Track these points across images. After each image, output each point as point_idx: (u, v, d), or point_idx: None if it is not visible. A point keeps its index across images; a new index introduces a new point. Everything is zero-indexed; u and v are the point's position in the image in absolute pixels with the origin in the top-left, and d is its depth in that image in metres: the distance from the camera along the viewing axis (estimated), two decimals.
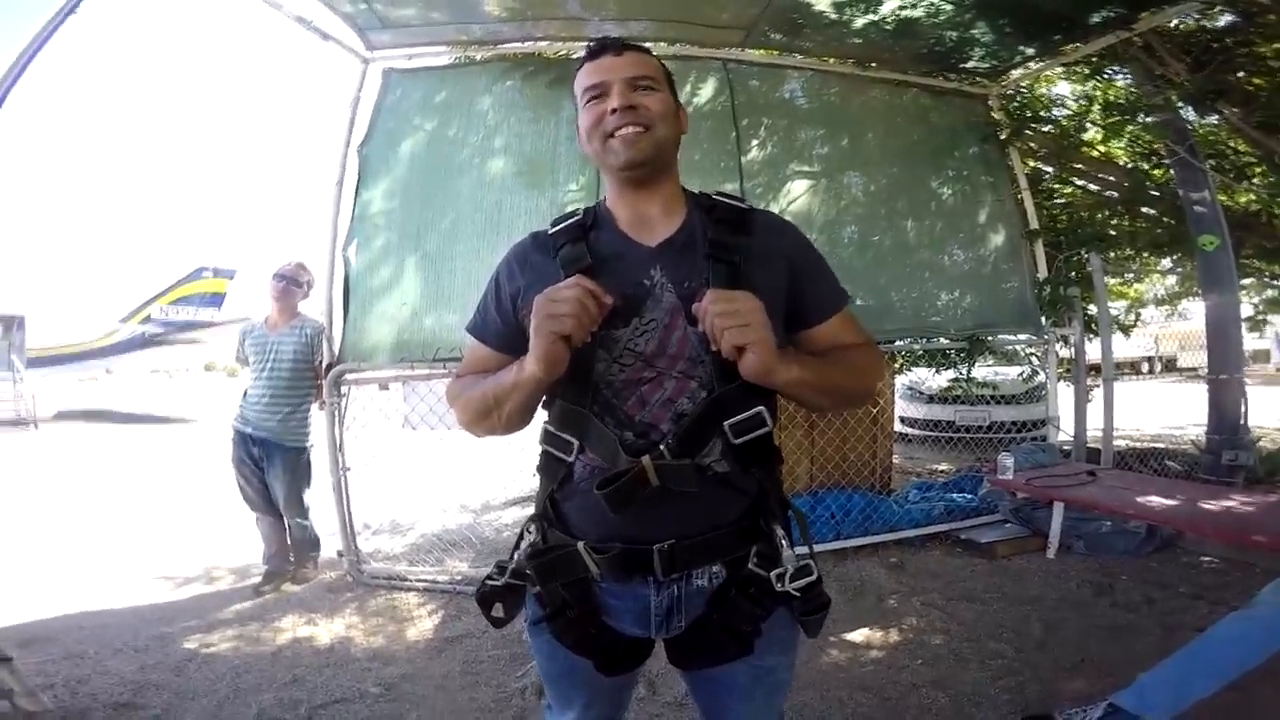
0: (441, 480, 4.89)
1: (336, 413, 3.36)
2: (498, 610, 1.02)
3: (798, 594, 0.95)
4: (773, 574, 0.95)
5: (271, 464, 3.38)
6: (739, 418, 0.94)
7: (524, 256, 1.09)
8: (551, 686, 1.15)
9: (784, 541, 0.98)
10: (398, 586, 3.36)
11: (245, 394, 3.47)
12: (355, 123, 3.47)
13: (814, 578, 0.96)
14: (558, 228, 1.07)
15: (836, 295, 1.09)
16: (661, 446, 0.93)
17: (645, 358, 0.97)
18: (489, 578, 1.03)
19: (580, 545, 0.97)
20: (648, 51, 1.08)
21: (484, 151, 3.53)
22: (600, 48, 1.06)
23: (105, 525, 4.85)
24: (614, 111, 1.00)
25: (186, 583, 3.60)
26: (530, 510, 1.09)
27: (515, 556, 1.04)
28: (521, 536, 1.05)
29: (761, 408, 0.95)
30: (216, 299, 19.35)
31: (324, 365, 3.39)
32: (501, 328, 1.08)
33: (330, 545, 3.57)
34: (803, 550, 1.00)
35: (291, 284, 3.48)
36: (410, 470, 3.88)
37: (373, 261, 3.43)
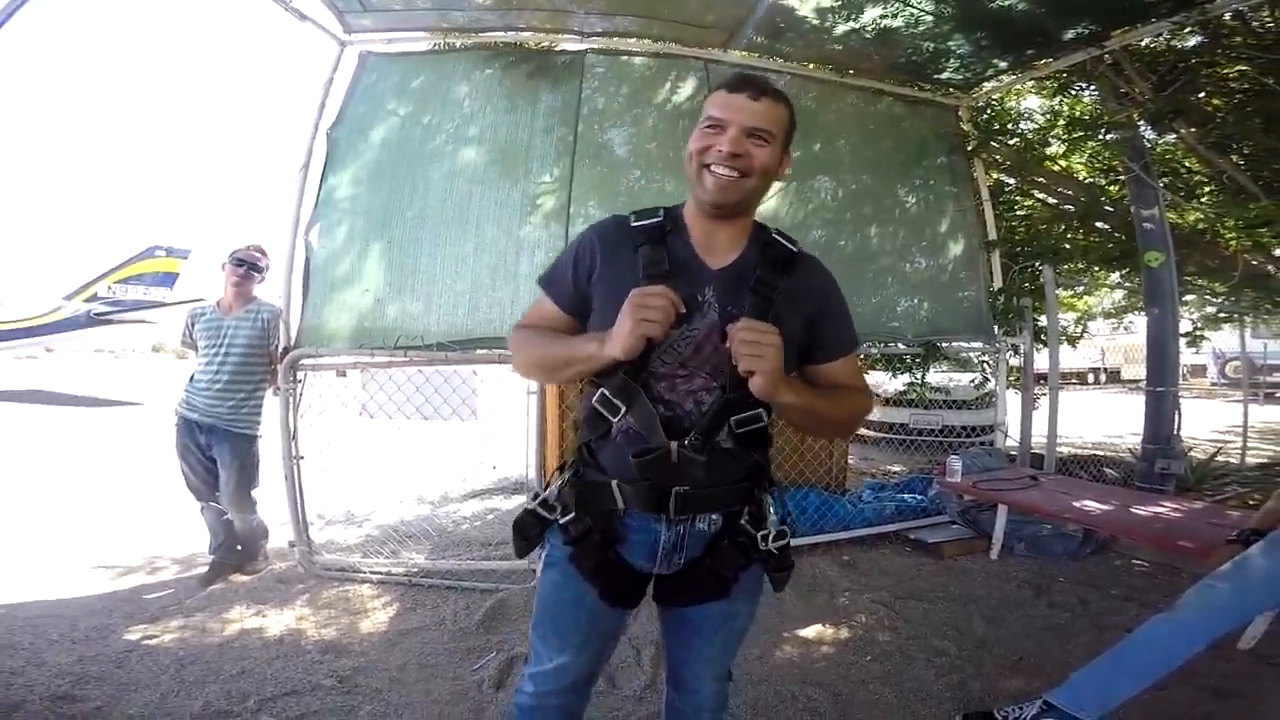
0: (399, 471, 4.81)
1: (291, 399, 3.27)
2: (527, 533, 1.26)
3: (775, 552, 1.21)
4: (759, 533, 1.20)
5: (220, 452, 3.24)
6: (742, 415, 1.16)
7: (606, 238, 1.24)
8: (547, 626, 1.31)
9: (771, 508, 1.25)
10: (351, 578, 3.30)
11: (192, 379, 3.31)
12: (326, 105, 3.37)
13: (787, 541, 1.23)
14: (640, 223, 1.23)
15: (848, 341, 1.30)
16: (687, 440, 1.14)
17: (682, 358, 1.17)
18: (525, 505, 1.28)
19: (613, 482, 1.18)
20: (784, 101, 1.19)
21: (458, 140, 3.46)
22: (742, 83, 1.16)
23: (43, 512, 4.62)
24: (720, 151, 1.13)
25: (128, 573, 3.46)
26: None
27: (550, 490, 1.27)
28: (560, 473, 1.28)
29: (761, 409, 1.18)
30: (169, 278, 18.67)
31: (279, 350, 3.29)
32: (572, 291, 1.26)
33: (281, 535, 3.48)
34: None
35: (251, 269, 3.35)
36: (367, 460, 3.80)
37: (336, 247, 3.34)
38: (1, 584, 3.18)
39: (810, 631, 2.79)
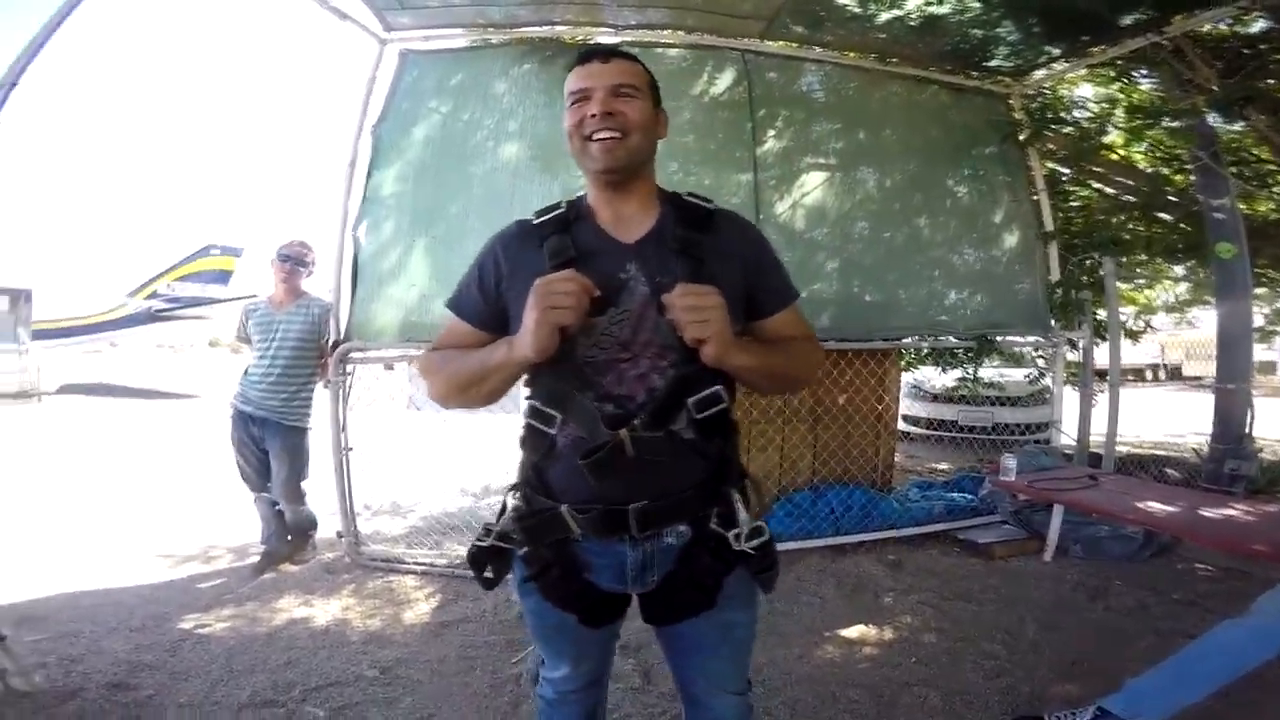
0: (444, 462, 4.89)
1: (341, 392, 3.35)
2: (488, 571, 1.15)
3: (753, 551, 1.08)
4: (730, 533, 1.09)
5: (272, 445, 3.35)
6: (700, 395, 1.06)
7: (508, 243, 1.18)
8: (542, 643, 1.27)
9: (740, 505, 1.12)
10: (396, 569, 3.36)
11: (246, 372, 3.43)
12: (370, 103, 3.45)
13: (766, 538, 1.10)
14: (542, 219, 1.16)
15: (788, 291, 1.22)
16: (636, 421, 1.04)
17: (621, 342, 1.07)
18: (477, 539, 1.15)
19: (563, 508, 1.08)
20: (635, 59, 1.17)
21: (498, 135, 3.50)
22: (588, 54, 1.15)
23: (105, 501, 4.85)
24: (593, 116, 1.09)
25: (184, 561, 3.60)
26: (512, 484, 1.18)
27: (500, 520, 1.15)
28: (505, 504, 1.16)
29: (720, 386, 1.08)
30: (224, 276, 19.40)
31: (330, 344, 3.37)
32: (482, 306, 1.18)
33: (329, 525, 3.57)
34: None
35: (297, 264, 3.45)
36: (413, 452, 3.87)
37: (382, 243, 3.41)
38: (65, 572, 3.34)
39: (853, 631, 2.73)
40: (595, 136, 1.09)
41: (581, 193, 1.22)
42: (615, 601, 1.17)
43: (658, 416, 1.05)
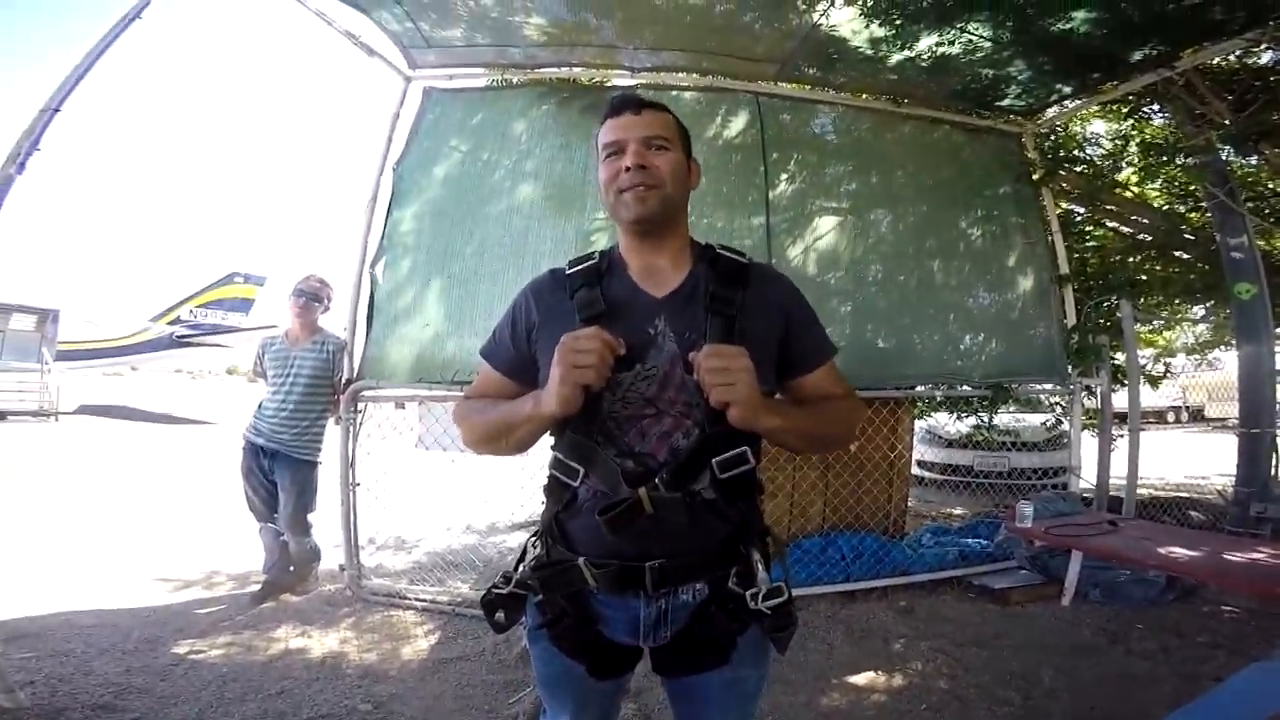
0: (449, 501, 4.87)
1: (351, 428, 3.36)
2: (499, 616, 1.13)
3: (769, 611, 1.05)
4: (748, 593, 1.05)
5: (281, 476, 3.37)
6: (725, 456, 1.04)
7: (540, 293, 1.19)
8: (546, 691, 1.23)
9: (760, 565, 1.09)
10: (397, 604, 3.32)
11: (260, 405, 3.48)
12: (393, 139, 3.52)
13: (784, 599, 1.06)
14: (575, 269, 1.17)
15: (824, 348, 1.20)
16: (657, 480, 1.02)
17: (647, 399, 1.07)
18: (494, 586, 1.14)
19: (581, 561, 1.07)
20: (666, 109, 1.18)
21: (515, 176, 3.54)
22: (621, 105, 1.15)
23: (112, 522, 4.88)
24: (628, 170, 1.09)
25: (185, 586, 3.59)
26: (535, 531, 1.17)
27: (520, 568, 1.14)
28: (525, 551, 1.16)
29: (746, 448, 1.05)
30: (245, 304, 19.74)
31: (342, 381, 3.40)
32: (514, 355, 1.18)
33: (333, 558, 3.54)
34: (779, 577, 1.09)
35: (312, 300, 3.50)
36: (419, 489, 3.87)
37: (399, 281, 3.44)
38: (66, 591, 3.34)
39: (861, 679, 2.65)
40: (629, 190, 1.10)
41: (612, 243, 1.22)
42: (626, 655, 1.15)
43: (679, 477, 1.03)
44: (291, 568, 3.48)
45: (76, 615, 3.05)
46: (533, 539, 1.16)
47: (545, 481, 1.14)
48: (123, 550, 4.17)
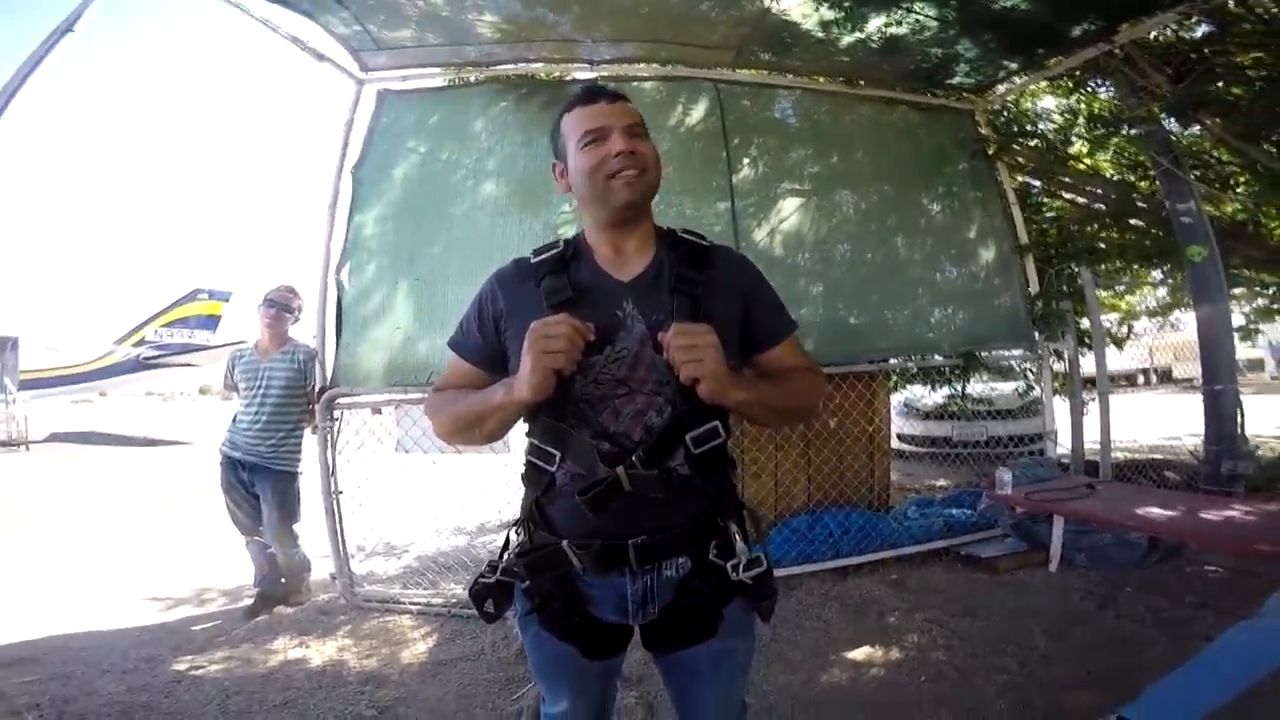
0: (435, 503, 4.85)
1: (329, 436, 3.33)
2: (489, 606, 1.16)
3: (750, 582, 1.08)
4: (729, 564, 1.09)
5: (262, 489, 3.34)
6: (698, 431, 1.08)
7: (506, 282, 1.21)
8: (542, 678, 1.26)
9: (738, 537, 1.12)
10: (392, 609, 3.31)
11: (235, 419, 3.44)
12: (349, 144, 3.47)
13: (764, 569, 1.09)
14: (540, 257, 1.19)
15: (785, 324, 1.24)
16: (634, 458, 1.05)
17: (618, 379, 1.09)
18: (481, 575, 1.17)
19: (564, 543, 1.09)
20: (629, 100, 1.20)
21: (477, 174, 3.52)
22: (596, 93, 1.17)
23: (96, 546, 4.81)
24: (618, 155, 1.11)
25: (177, 604, 3.56)
26: (515, 519, 1.20)
27: (505, 556, 1.17)
28: (509, 539, 1.19)
29: (717, 422, 1.09)
30: (211, 321, 19.31)
31: (316, 390, 3.36)
32: (482, 345, 1.21)
33: (323, 568, 3.52)
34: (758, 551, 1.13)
35: (283, 310, 3.46)
36: (404, 493, 3.86)
37: (365, 285, 3.40)
38: (59, 616, 3.30)
39: (859, 654, 2.69)
40: (621, 175, 1.11)
41: (576, 230, 1.24)
42: (616, 634, 1.17)
43: (654, 454, 1.06)
44: (283, 579, 3.46)
45: (72, 638, 3.02)
46: (515, 527, 1.18)
47: (522, 469, 1.16)
48: (111, 572, 4.12)
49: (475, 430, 1.15)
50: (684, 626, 1.14)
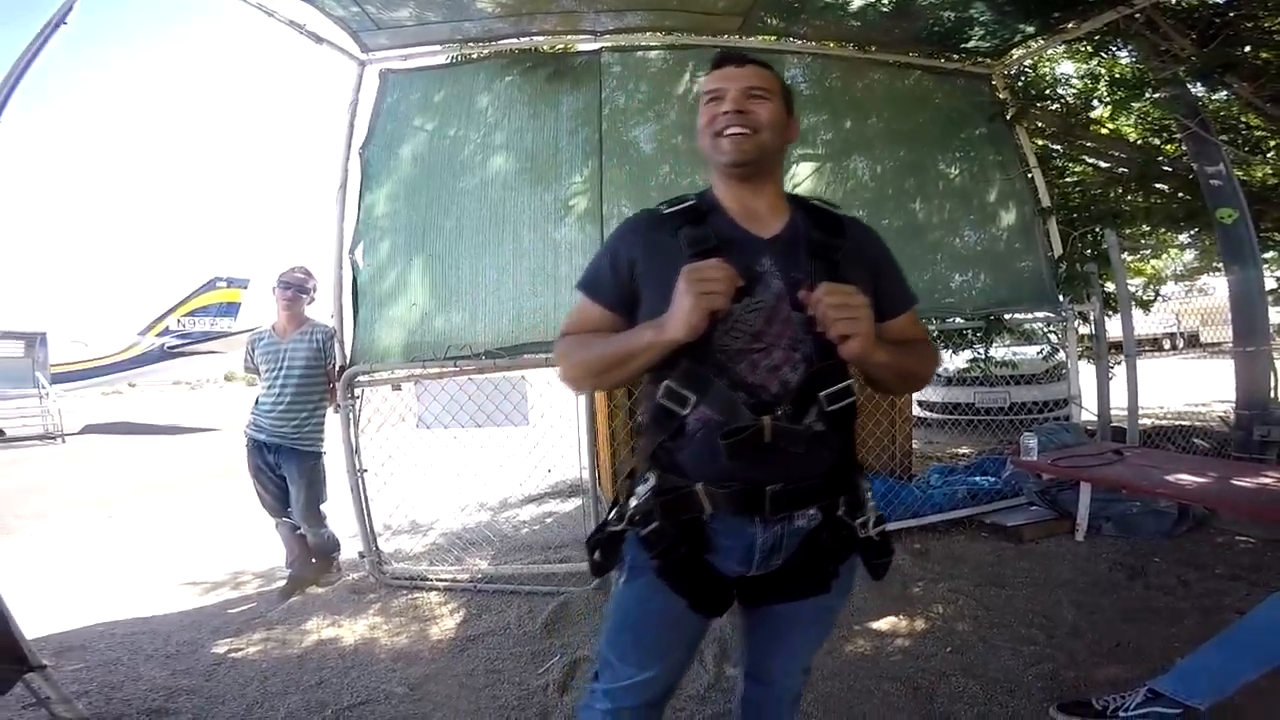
0: (458, 479, 4.90)
1: (351, 415, 3.36)
2: (597, 556, 1.20)
3: (877, 538, 1.16)
4: (857, 521, 1.15)
5: (288, 470, 3.38)
6: (834, 389, 1.11)
7: (639, 230, 1.23)
8: (631, 635, 1.24)
9: (867, 494, 1.18)
10: (419, 586, 3.36)
11: (257, 401, 3.47)
12: (355, 125, 3.45)
13: (884, 526, 1.17)
14: (673, 209, 1.21)
15: (909, 296, 1.29)
16: (779, 410, 1.08)
17: (753, 333, 1.11)
18: (605, 523, 1.21)
19: (699, 486, 1.11)
20: (768, 66, 1.22)
21: (485, 149, 3.49)
22: (724, 58, 1.22)
23: (135, 533, 4.93)
24: (725, 113, 1.15)
25: (214, 588, 3.64)
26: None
27: (632, 503, 1.17)
28: (633, 485, 1.19)
29: (852, 380, 1.13)
30: (232, 308, 19.60)
31: (336, 369, 3.39)
32: (615, 288, 1.21)
33: (351, 547, 3.58)
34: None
35: (298, 291, 3.47)
36: (427, 470, 3.90)
37: (380, 264, 3.41)
38: (99, 603, 3.39)
39: (883, 624, 2.68)
40: (726, 132, 1.15)
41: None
42: (726, 591, 1.19)
43: (799, 408, 1.09)
44: (313, 560, 3.52)
45: (115, 625, 3.10)
46: (643, 471, 1.17)
47: (650, 413, 1.16)
48: (149, 558, 4.22)
49: (615, 372, 1.16)
50: (800, 579, 1.17)
